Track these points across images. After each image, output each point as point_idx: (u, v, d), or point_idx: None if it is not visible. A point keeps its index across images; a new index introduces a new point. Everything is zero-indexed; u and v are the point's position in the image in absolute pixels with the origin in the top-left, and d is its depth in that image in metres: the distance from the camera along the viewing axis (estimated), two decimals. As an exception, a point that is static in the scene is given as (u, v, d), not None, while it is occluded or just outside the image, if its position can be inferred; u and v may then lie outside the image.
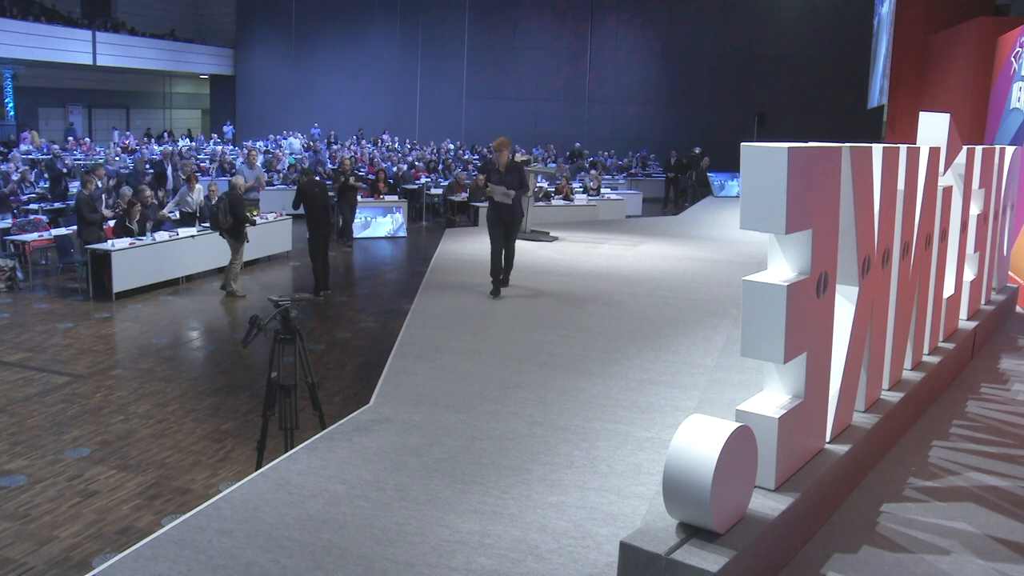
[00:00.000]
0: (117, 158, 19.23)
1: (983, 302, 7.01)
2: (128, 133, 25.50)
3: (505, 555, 3.48)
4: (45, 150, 19.72)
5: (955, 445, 4.59)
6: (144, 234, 11.29)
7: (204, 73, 30.88)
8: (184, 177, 13.65)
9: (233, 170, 16.42)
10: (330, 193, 14.79)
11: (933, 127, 5.48)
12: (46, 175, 15.55)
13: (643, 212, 18.79)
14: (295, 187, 12.29)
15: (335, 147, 23.71)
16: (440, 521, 3.77)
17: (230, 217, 10.49)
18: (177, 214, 12.68)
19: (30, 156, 18.71)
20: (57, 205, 14.07)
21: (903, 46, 14.85)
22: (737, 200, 4.06)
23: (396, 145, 24.74)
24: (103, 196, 12.88)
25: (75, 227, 11.71)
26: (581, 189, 18.62)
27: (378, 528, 3.70)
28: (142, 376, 7.51)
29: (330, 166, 19.80)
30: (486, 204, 9.18)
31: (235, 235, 10.64)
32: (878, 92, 17.51)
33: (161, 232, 11.39)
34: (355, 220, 15.12)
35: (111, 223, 11.51)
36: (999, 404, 5.34)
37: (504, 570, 3.37)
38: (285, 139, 24.68)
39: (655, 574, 2.87)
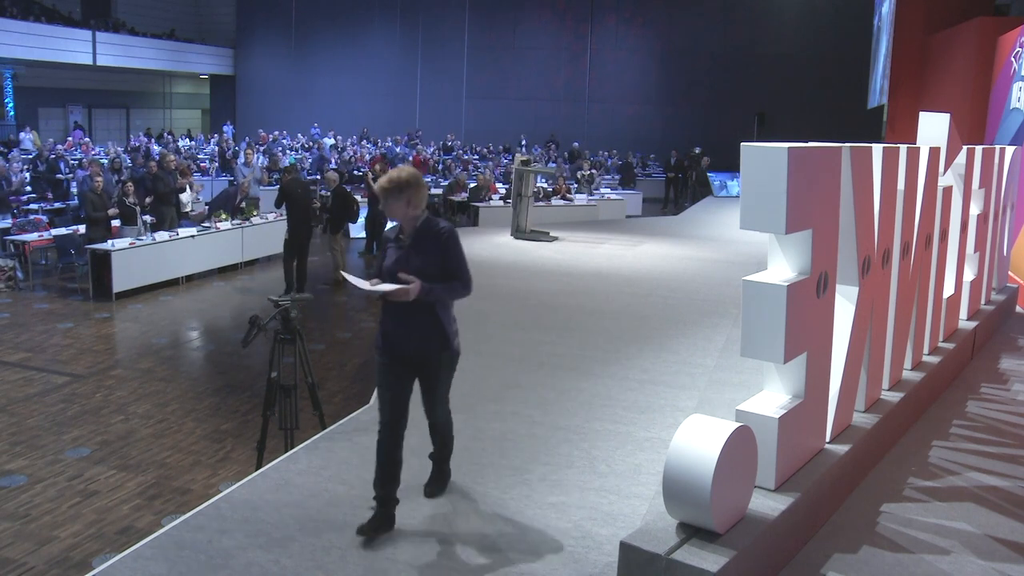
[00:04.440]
0: (117, 158, 19.21)
1: (983, 302, 7.01)
2: (141, 135, 25.50)
3: (505, 555, 3.48)
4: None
5: (955, 445, 4.59)
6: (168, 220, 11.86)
7: (204, 73, 30.84)
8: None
9: (235, 166, 16.48)
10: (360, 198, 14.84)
11: (933, 127, 5.49)
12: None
13: (643, 212, 18.80)
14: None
15: (338, 137, 23.64)
16: (440, 521, 3.77)
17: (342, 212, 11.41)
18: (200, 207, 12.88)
19: (30, 156, 18.67)
20: (57, 205, 14.05)
21: (903, 46, 14.85)
22: (737, 200, 4.06)
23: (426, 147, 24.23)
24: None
25: (75, 227, 11.72)
26: (576, 189, 18.57)
27: (378, 528, 3.70)
28: (142, 376, 7.51)
29: (331, 166, 19.77)
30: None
31: (335, 227, 11.66)
32: (878, 92, 17.51)
33: (161, 232, 11.38)
34: (357, 222, 15.08)
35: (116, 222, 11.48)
36: (999, 404, 5.34)
37: (504, 570, 3.37)
38: (319, 136, 24.75)
39: (655, 574, 2.87)
